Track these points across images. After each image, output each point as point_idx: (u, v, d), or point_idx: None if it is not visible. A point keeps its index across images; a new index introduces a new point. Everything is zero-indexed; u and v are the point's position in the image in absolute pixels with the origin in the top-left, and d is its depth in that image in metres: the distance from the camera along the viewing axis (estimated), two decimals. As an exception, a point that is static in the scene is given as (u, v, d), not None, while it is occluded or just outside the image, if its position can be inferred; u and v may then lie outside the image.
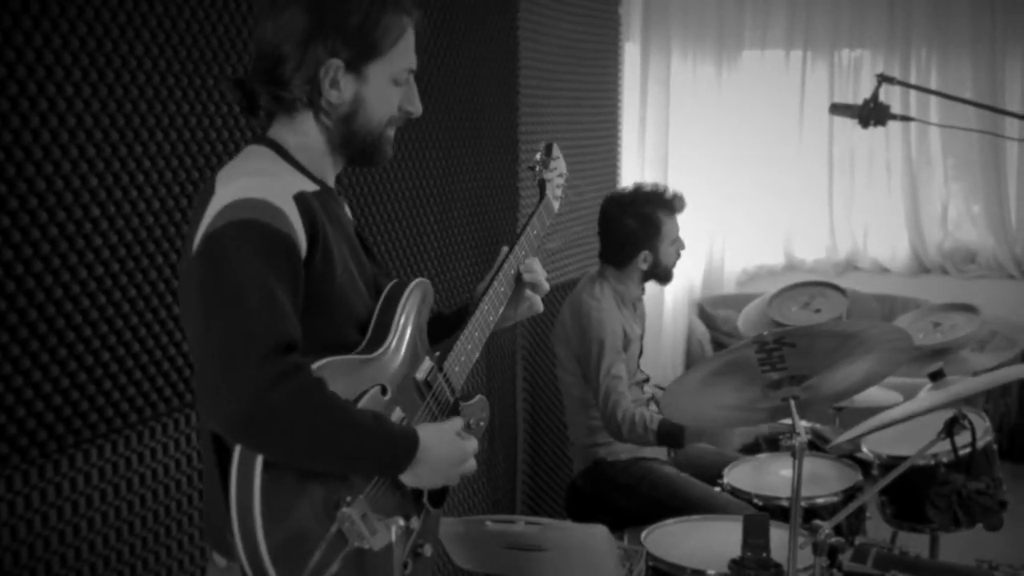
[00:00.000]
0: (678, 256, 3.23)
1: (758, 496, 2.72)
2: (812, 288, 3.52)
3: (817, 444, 3.10)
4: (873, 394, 2.99)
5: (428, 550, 1.62)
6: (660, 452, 3.16)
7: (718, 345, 5.41)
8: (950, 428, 2.28)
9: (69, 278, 1.80)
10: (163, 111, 1.97)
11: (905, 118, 2.79)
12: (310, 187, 1.53)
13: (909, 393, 3.04)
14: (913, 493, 2.76)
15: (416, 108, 1.64)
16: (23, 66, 1.69)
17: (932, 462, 2.73)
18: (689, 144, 5.34)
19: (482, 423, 1.76)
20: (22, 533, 1.74)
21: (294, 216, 1.44)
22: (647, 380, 3.28)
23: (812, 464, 2.87)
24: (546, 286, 1.88)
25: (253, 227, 1.39)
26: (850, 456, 2.94)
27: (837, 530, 2.39)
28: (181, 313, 1.64)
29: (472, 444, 1.62)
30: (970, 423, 2.38)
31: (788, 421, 2.05)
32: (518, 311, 1.88)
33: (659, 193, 3.16)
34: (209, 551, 1.58)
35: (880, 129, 2.80)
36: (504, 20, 3.31)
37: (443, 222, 3.00)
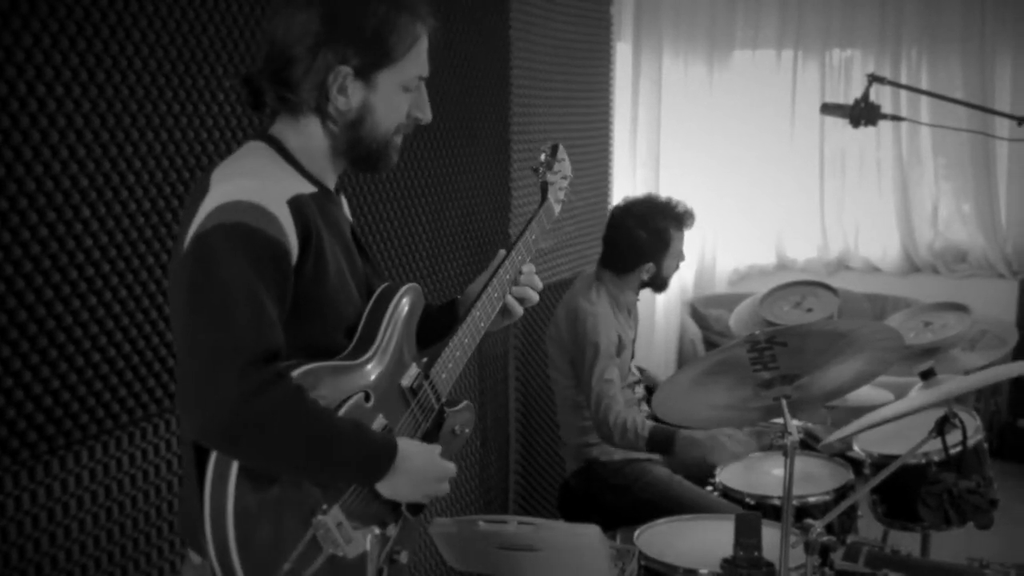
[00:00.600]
0: (677, 268, 3.24)
1: (750, 495, 2.73)
2: (803, 287, 3.54)
3: (809, 443, 3.11)
4: (864, 393, 3.00)
5: (404, 557, 1.62)
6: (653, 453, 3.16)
7: (710, 345, 5.42)
8: (941, 427, 2.29)
9: (59, 279, 1.79)
10: (154, 111, 1.96)
11: (896, 118, 2.80)
12: (307, 189, 1.51)
13: (900, 392, 3.05)
14: (904, 492, 2.77)
15: (426, 115, 1.62)
16: (12, 66, 1.69)
17: (923, 461, 2.74)
18: (680, 144, 5.35)
19: (467, 430, 1.75)
20: (12, 535, 1.74)
21: (287, 221, 1.42)
22: (639, 381, 3.29)
23: (804, 463, 2.88)
24: (535, 299, 1.85)
25: (243, 231, 1.38)
26: (842, 455, 2.95)
27: (829, 529, 2.40)
28: (170, 310, 1.64)
29: (451, 466, 1.61)
30: (961, 422, 2.38)
31: (780, 420, 2.05)
32: (503, 318, 1.84)
33: (672, 207, 3.14)
34: (184, 548, 1.58)
35: (871, 129, 2.81)
36: (496, 20, 3.31)
37: (434, 222, 3.00)
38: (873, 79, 2.74)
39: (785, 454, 1.98)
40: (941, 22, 5.51)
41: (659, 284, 3.22)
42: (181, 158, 2.03)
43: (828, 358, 2.04)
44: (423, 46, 1.58)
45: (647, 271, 3.14)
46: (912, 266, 5.80)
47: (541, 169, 1.98)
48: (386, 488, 1.52)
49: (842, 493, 2.69)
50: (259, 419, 1.32)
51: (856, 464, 2.89)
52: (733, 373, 2.03)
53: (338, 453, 1.42)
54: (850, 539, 2.69)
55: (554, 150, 2.00)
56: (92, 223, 1.84)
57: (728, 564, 1.98)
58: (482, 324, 1.76)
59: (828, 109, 2.85)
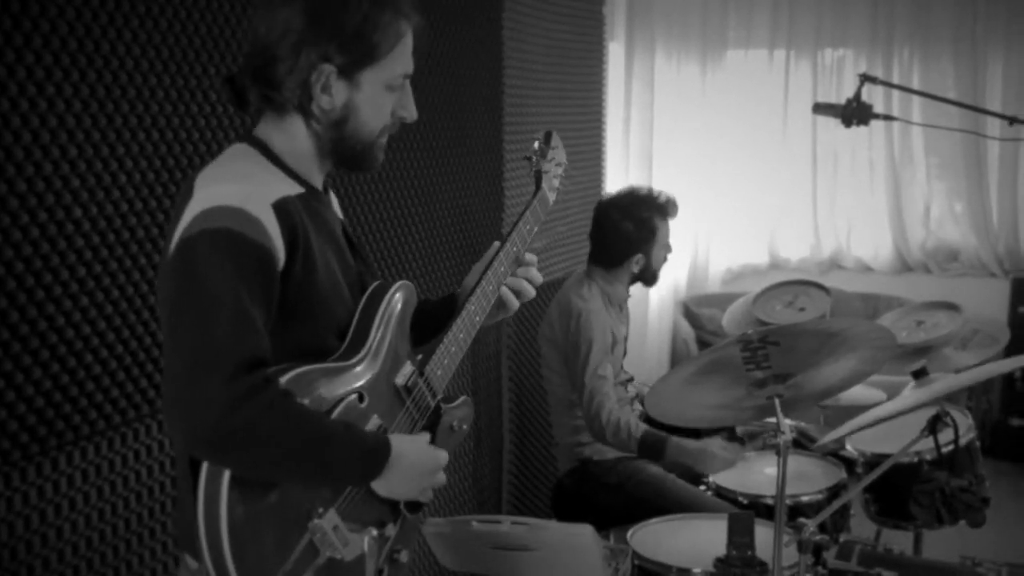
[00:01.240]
0: (666, 260, 3.26)
1: (743, 494, 2.73)
2: (796, 287, 3.54)
3: (802, 442, 3.11)
4: (857, 392, 3.01)
5: (404, 556, 1.61)
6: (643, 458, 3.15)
7: (703, 344, 5.43)
8: (933, 425, 2.29)
9: (51, 279, 1.78)
10: (146, 111, 1.96)
11: (888, 117, 2.80)
12: (294, 190, 1.50)
13: (893, 391, 3.05)
14: (897, 490, 2.78)
15: (411, 113, 1.61)
16: (2, 66, 1.68)
17: (915, 459, 2.75)
18: (673, 143, 5.35)
19: (465, 425, 1.73)
20: (3, 536, 1.73)
21: (271, 225, 1.41)
22: (631, 380, 3.29)
23: (797, 462, 2.88)
24: (531, 293, 1.82)
25: (227, 236, 1.37)
26: (834, 454, 2.95)
27: (822, 528, 2.40)
28: (158, 314, 1.63)
29: (443, 454, 1.59)
30: (953, 420, 2.39)
31: (773, 419, 2.05)
32: (499, 311, 1.82)
33: (654, 197, 3.18)
34: (180, 552, 1.57)
35: (863, 128, 2.81)
36: (488, 20, 3.31)
37: (427, 221, 3.00)
38: (865, 79, 2.75)
39: (778, 453, 1.99)
40: (933, 22, 5.52)
41: (649, 277, 3.23)
42: (173, 158, 2.02)
43: (821, 357, 2.05)
44: (408, 44, 1.56)
45: (637, 263, 3.16)
46: (904, 265, 5.82)
47: (535, 158, 1.94)
48: (382, 487, 1.51)
49: (835, 492, 2.70)
50: (246, 426, 1.31)
51: (849, 463, 2.89)
52: (726, 372, 2.03)
53: (330, 455, 1.41)
54: (843, 538, 2.71)
55: (548, 137, 1.96)
56: (84, 223, 1.84)
57: (721, 563, 1.98)
58: (477, 318, 1.74)
59: (820, 109, 2.85)
